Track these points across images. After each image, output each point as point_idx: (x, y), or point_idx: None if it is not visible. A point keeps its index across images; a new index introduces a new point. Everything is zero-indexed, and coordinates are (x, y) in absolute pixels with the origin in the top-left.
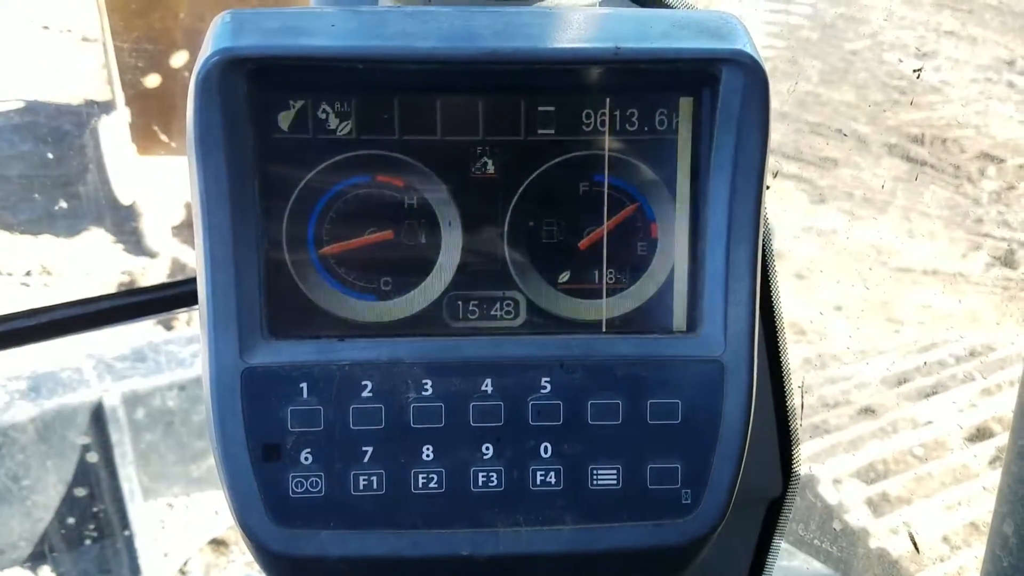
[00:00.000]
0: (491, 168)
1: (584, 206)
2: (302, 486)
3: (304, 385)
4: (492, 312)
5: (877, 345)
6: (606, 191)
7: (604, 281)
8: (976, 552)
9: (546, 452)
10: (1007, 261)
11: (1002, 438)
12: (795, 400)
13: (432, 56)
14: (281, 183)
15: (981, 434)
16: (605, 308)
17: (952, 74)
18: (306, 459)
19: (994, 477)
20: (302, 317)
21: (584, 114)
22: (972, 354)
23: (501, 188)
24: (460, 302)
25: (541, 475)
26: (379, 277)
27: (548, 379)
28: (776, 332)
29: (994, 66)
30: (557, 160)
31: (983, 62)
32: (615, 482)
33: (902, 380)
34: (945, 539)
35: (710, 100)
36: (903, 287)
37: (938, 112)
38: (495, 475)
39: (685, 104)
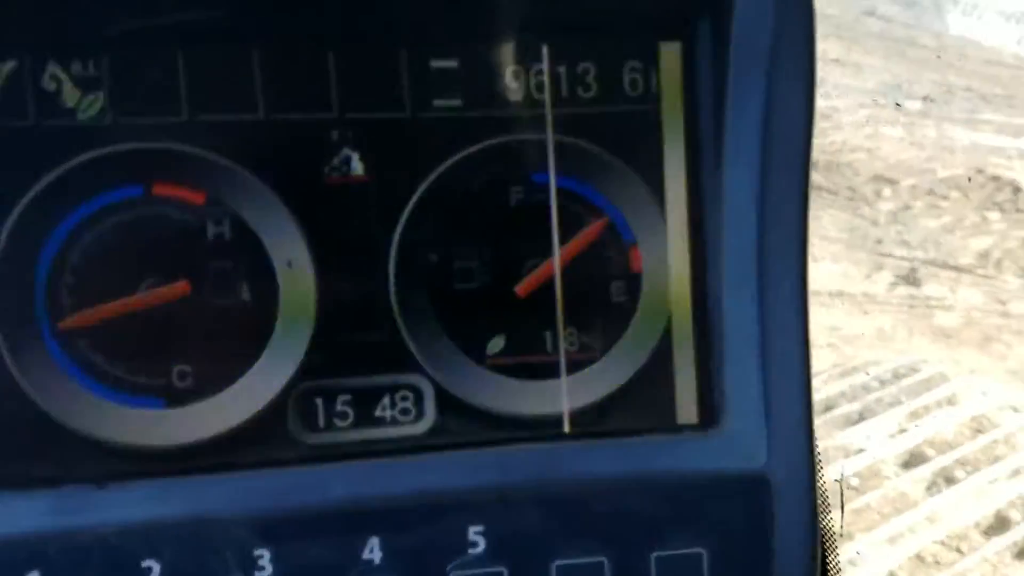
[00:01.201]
0: (358, 166)
1: (521, 226)
2: None
3: None
4: (377, 413)
5: None
6: (554, 200)
7: (562, 349)
8: None
9: None
10: (910, 280)
11: (936, 462)
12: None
13: None
14: None
15: (915, 459)
16: (566, 394)
17: (840, 100)
18: None
19: (932, 504)
20: (25, 446)
21: (510, 74)
22: (896, 376)
23: (379, 201)
24: (319, 400)
25: None
26: (168, 365)
27: (481, 528)
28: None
29: (881, 90)
30: (469, 151)
31: (870, 87)
32: None
33: (828, 407)
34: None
35: (712, 41)
36: (811, 310)
37: (829, 137)
38: None
39: (668, 54)
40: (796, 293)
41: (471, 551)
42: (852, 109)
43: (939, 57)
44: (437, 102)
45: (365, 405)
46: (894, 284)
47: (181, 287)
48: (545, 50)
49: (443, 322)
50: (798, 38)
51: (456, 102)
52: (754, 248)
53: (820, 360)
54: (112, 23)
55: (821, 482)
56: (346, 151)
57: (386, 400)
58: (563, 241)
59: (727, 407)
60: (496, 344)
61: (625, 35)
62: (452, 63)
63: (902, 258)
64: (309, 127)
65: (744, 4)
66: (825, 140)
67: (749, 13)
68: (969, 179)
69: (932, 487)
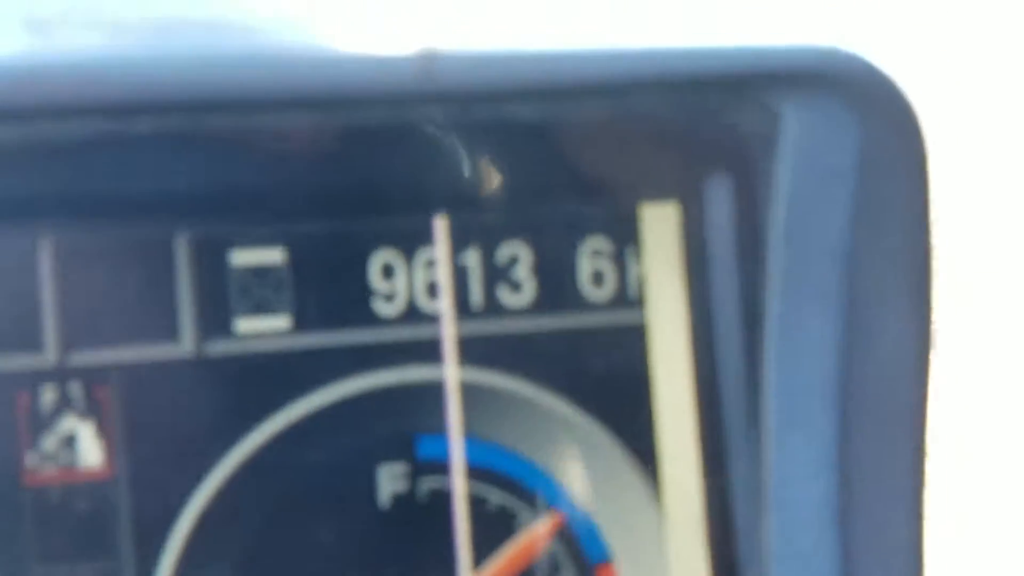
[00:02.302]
0: (91, 449)
1: (399, 542)
2: None
3: None
4: None
5: None
6: (459, 490)
7: None
8: None
9: None
10: None
11: None
12: None
13: None
14: None
15: None
16: None
17: None
18: None
19: None
20: None
21: (377, 268)
22: None
23: (132, 513)
24: None
25: None
26: None
27: None
28: None
29: None
30: (303, 407)
31: None
32: None
33: None
34: None
35: (734, 200)
36: None
37: None
38: None
39: (657, 223)
40: None
41: None
42: None
43: None
44: (244, 324)
45: None
46: None
47: None
48: (439, 226)
49: None
50: (905, 195)
51: (280, 322)
52: (833, 551)
53: None
54: None
55: None
56: (68, 422)
57: None
58: (477, 564)
59: None
60: None
61: (582, 195)
62: (273, 254)
63: None
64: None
65: (805, 124)
66: None
67: (810, 157)
68: None
69: None
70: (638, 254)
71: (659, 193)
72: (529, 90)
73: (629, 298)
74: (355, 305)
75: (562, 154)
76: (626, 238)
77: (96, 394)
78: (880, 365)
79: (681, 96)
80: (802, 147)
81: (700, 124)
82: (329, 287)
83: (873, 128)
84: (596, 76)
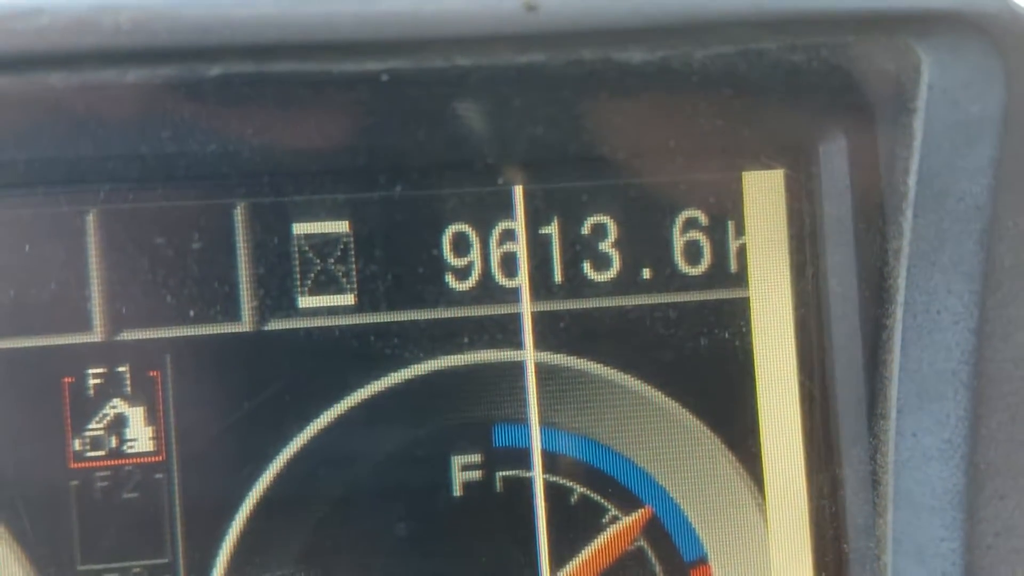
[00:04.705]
0: (143, 435)
1: (470, 535)
2: None
3: None
4: None
5: None
6: (539, 478)
7: None
8: None
9: None
10: None
11: None
12: None
13: None
14: None
15: None
16: None
17: None
18: None
19: None
20: None
21: (449, 240)
22: None
23: (193, 503)
24: None
25: None
26: None
27: None
28: None
29: None
30: (361, 395)
31: None
32: None
33: None
34: None
35: (854, 160)
36: None
37: None
38: None
39: (759, 191)
40: None
41: None
42: None
43: None
44: (307, 300)
45: None
46: None
47: None
48: (517, 194)
49: None
50: None
51: (345, 299)
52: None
53: None
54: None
55: None
56: (116, 406)
57: None
58: (559, 559)
59: None
60: None
61: (678, 161)
62: (339, 226)
63: None
64: (55, 361)
65: (942, 89)
66: None
67: (951, 107)
68: None
69: None
70: (739, 225)
71: (764, 159)
72: (642, 29)
73: (729, 273)
74: (425, 281)
75: (660, 113)
76: (726, 208)
77: (147, 376)
78: (1020, 345)
79: (810, 37)
80: (943, 95)
81: (822, 77)
82: (397, 261)
83: (1018, 76)
84: (719, 14)
